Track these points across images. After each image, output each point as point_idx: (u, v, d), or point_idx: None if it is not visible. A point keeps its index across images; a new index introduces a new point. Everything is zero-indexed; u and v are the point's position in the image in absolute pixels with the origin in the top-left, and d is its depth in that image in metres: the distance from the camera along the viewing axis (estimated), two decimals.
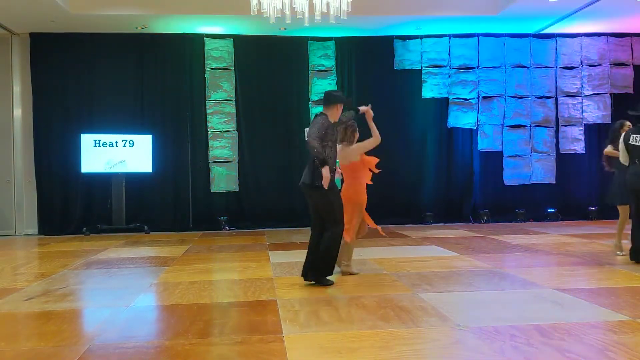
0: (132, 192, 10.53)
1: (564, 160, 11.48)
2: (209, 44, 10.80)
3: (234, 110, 10.89)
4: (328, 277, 5.35)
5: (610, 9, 9.74)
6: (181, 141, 10.75)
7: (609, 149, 6.81)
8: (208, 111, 10.83)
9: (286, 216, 10.57)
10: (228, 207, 10.88)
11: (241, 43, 10.85)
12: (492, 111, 11.33)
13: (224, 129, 10.85)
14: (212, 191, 10.82)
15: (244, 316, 4.36)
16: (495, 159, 11.40)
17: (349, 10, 7.24)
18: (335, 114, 5.28)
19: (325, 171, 4.96)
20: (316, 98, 10.94)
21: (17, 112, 10.63)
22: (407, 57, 11.17)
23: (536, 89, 11.41)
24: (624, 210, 6.59)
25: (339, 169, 5.55)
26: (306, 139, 5.03)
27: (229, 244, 8.69)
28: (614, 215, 10.84)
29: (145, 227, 10.38)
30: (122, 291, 5.35)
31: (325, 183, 4.98)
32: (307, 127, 5.34)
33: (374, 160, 5.65)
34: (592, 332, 3.69)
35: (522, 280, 5.43)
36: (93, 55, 10.54)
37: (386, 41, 11.12)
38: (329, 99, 5.31)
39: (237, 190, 10.86)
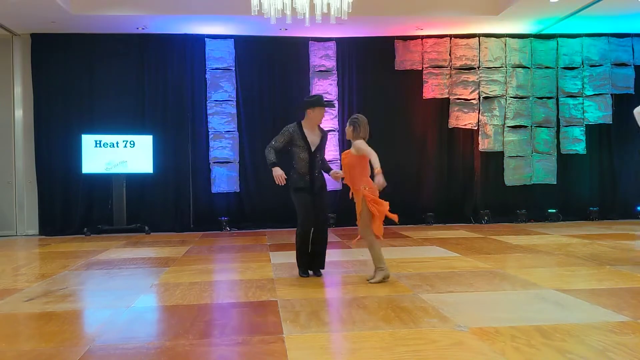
0: (133, 192, 10.53)
1: (565, 161, 11.48)
2: (210, 44, 10.80)
3: (234, 111, 10.89)
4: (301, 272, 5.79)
5: (611, 9, 9.74)
6: (182, 142, 10.76)
7: None
8: (209, 112, 10.83)
9: (287, 217, 10.49)
10: (229, 208, 10.89)
11: (242, 43, 10.85)
12: (493, 112, 11.33)
13: (224, 130, 10.86)
14: (212, 192, 10.83)
15: (245, 317, 4.36)
16: (496, 159, 11.40)
17: (350, 11, 7.24)
18: (310, 119, 5.65)
19: (275, 171, 5.54)
20: None
21: (18, 113, 10.65)
22: (408, 58, 11.16)
23: (537, 89, 11.40)
24: None
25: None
26: None
27: (230, 245, 8.69)
28: (615, 216, 10.97)
29: (146, 228, 10.39)
30: (122, 292, 5.36)
31: (277, 180, 5.54)
32: None
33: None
34: (593, 333, 3.69)
35: (523, 281, 5.42)
36: (94, 56, 10.55)
37: (387, 41, 11.12)
38: (299, 106, 5.79)
39: (237, 190, 10.87)
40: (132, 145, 10.37)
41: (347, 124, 5.50)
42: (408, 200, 11.16)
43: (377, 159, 5.18)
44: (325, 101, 5.86)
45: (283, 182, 5.55)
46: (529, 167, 11.39)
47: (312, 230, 5.66)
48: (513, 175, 11.38)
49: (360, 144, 5.31)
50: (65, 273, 6.40)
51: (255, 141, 10.84)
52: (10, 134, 10.65)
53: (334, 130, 10.97)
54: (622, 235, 8.73)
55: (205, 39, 10.78)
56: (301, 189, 5.64)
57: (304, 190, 5.64)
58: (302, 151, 5.62)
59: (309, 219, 5.61)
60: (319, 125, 5.82)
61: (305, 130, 5.67)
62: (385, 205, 5.40)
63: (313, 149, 5.65)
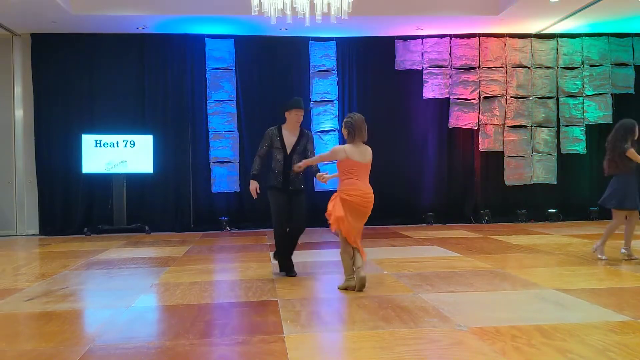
0: (133, 192, 10.54)
1: (565, 161, 11.48)
2: (210, 44, 10.80)
3: (234, 111, 10.89)
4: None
5: (611, 9, 9.74)
6: (182, 142, 10.76)
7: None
8: (209, 111, 10.84)
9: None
10: (229, 208, 10.90)
11: (242, 43, 10.85)
12: (493, 111, 11.33)
13: (224, 130, 10.86)
14: (213, 191, 10.83)
15: (245, 317, 4.36)
16: (496, 159, 11.40)
17: (350, 11, 7.23)
18: (289, 120, 5.86)
19: (251, 184, 5.82)
20: (317, 98, 10.96)
21: (19, 113, 10.65)
22: (408, 58, 11.17)
23: (537, 89, 11.41)
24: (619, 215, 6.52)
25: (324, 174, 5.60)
26: None
27: (230, 245, 8.70)
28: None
29: (146, 228, 10.39)
30: (123, 292, 5.36)
31: (252, 193, 5.81)
32: (307, 129, 5.75)
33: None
34: (593, 333, 3.69)
35: (523, 281, 5.43)
36: (94, 56, 10.55)
37: (387, 41, 11.12)
38: (279, 110, 5.98)
39: (238, 190, 10.87)
40: (132, 145, 10.37)
41: (342, 125, 5.34)
42: (408, 200, 11.19)
43: (319, 159, 5.55)
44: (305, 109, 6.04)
45: (255, 196, 5.80)
46: (529, 167, 11.39)
47: (287, 228, 5.77)
48: (513, 175, 11.39)
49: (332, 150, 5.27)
50: (65, 273, 6.40)
51: (255, 141, 10.70)
52: (11, 133, 10.65)
53: (333, 130, 10.97)
54: (622, 235, 8.71)
55: (206, 38, 10.78)
56: (274, 188, 5.78)
57: (278, 190, 5.77)
58: (278, 153, 5.80)
59: (281, 215, 5.74)
60: (301, 128, 5.94)
61: (285, 133, 5.84)
62: (338, 215, 5.02)
63: (289, 151, 5.79)
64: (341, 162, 5.13)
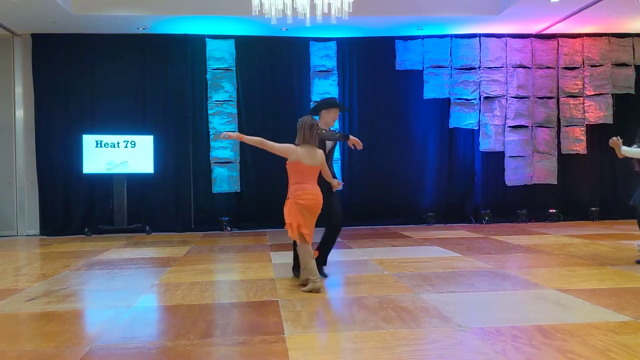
0: (134, 192, 10.54)
1: (565, 161, 11.48)
2: (211, 44, 10.81)
3: (235, 111, 10.90)
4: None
5: (611, 10, 9.74)
6: (183, 142, 10.77)
7: None
8: (209, 112, 10.84)
9: None
10: (230, 208, 10.90)
11: (242, 44, 10.86)
12: (493, 112, 11.34)
13: (225, 130, 10.86)
14: (213, 192, 10.84)
15: (246, 317, 4.36)
16: (496, 159, 11.40)
17: (350, 11, 7.24)
18: (326, 119, 5.69)
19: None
20: (317, 99, 10.95)
21: (19, 113, 10.66)
22: (408, 58, 11.17)
23: (538, 89, 11.41)
24: None
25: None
26: None
27: (231, 245, 8.70)
28: (615, 215, 10.97)
29: (147, 228, 10.40)
30: (124, 292, 5.36)
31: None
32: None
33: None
34: (594, 333, 3.69)
35: (524, 281, 5.43)
36: (95, 56, 10.56)
37: (387, 42, 11.13)
38: (313, 108, 5.89)
39: (238, 190, 10.88)
40: (132, 146, 10.38)
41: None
42: (408, 200, 11.19)
43: (266, 144, 5.10)
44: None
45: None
46: (530, 167, 11.39)
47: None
48: (514, 175, 11.39)
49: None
50: (66, 273, 6.41)
51: None
52: (11, 134, 10.66)
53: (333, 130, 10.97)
54: (622, 235, 8.74)
55: (206, 39, 10.79)
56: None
57: None
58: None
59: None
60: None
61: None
62: (294, 223, 5.04)
63: (327, 150, 5.61)
64: (291, 163, 5.12)
